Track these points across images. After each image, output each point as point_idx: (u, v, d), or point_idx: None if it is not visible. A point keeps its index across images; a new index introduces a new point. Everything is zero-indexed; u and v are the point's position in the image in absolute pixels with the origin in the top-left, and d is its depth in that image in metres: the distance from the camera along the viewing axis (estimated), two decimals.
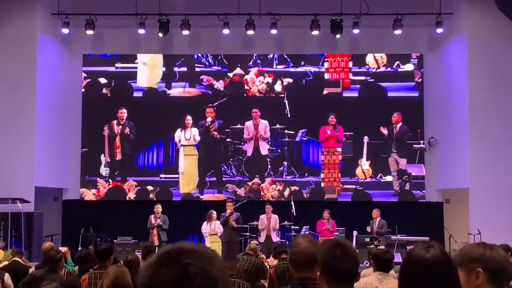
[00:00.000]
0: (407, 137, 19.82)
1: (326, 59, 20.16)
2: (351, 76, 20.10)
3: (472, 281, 2.94)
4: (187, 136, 19.89)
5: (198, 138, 19.88)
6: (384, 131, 19.79)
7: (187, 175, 19.93)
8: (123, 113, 20.11)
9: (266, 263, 11.69)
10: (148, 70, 20.38)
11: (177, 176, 19.95)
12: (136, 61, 20.31)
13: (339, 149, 19.89)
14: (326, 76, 20.13)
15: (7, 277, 8.81)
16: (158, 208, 17.57)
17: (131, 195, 19.87)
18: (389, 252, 6.62)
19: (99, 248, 7.68)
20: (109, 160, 20.00)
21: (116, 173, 20.01)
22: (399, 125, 19.86)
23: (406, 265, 2.79)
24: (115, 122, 20.11)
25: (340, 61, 20.19)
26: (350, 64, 20.15)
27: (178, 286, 1.68)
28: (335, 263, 3.42)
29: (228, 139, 19.87)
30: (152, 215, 17.46)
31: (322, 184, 19.84)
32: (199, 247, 1.79)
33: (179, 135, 19.89)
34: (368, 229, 17.39)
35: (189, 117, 19.89)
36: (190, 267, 1.70)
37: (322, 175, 19.85)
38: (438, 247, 2.79)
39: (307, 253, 3.87)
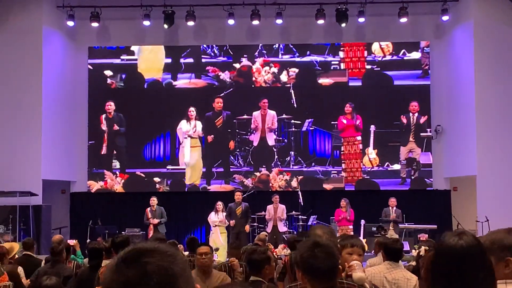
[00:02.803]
0: (425, 126, 19.79)
1: (341, 48, 20.11)
2: (366, 65, 20.06)
3: (501, 269, 2.90)
4: (192, 128, 19.89)
5: (200, 131, 19.90)
6: (404, 120, 19.78)
7: (194, 167, 19.94)
8: (110, 105, 20.10)
9: (274, 253, 11.70)
10: (148, 62, 20.35)
11: (183, 167, 19.97)
12: (133, 53, 20.35)
13: (359, 138, 19.86)
14: (342, 65, 20.07)
15: (19, 270, 8.85)
16: (154, 200, 17.55)
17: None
18: (398, 242, 6.61)
19: (116, 241, 7.70)
20: (105, 152, 20.06)
21: (115, 166, 20.06)
22: (416, 114, 19.81)
23: (439, 253, 2.77)
24: (103, 116, 20.10)
25: (356, 50, 20.13)
26: (365, 53, 20.10)
27: (137, 284, 1.73)
28: (314, 262, 3.47)
29: (235, 130, 19.86)
30: (148, 208, 17.48)
31: (344, 175, 19.81)
32: (159, 247, 1.84)
33: (185, 126, 19.89)
34: (391, 217, 17.27)
35: (192, 109, 19.90)
36: (149, 266, 1.76)
37: (343, 165, 19.82)
38: (470, 234, 2.79)
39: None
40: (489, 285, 2.69)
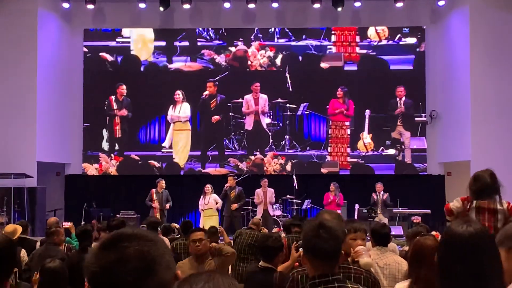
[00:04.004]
0: (412, 111, 19.79)
1: (333, 32, 20.08)
2: (358, 50, 20.03)
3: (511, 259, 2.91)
4: (176, 112, 19.88)
5: (188, 113, 19.90)
6: (399, 109, 19.81)
7: (179, 150, 19.93)
8: (123, 89, 20.10)
9: None
10: (140, 45, 20.32)
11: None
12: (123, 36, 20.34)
13: (347, 123, 19.88)
14: (333, 49, 20.06)
15: (23, 253, 8.90)
16: (162, 183, 17.54)
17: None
18: (385, 226, 6.64)
19: (112, 224, 7.72)
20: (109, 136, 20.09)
21: (116, 148, 20.06)
22: (403, 98, 19.83)
23: (448, 241, 2.79)
24: (113, 98, 20.10)
25: (348, 35, 20.11)
26: (357, 38, 20.06)
27: (115, 268, 1.81)
28: (318, 242, 3.45)
29: (230, 113, 19.86)
30: (154, 189, 17.45)
31: (329, 158, 19.84)
32: (139, 232, 1.91)
33: (170, 111, 19.92)
34: (381, 200, 17.30)
35: (178, 92, 19.89)
36: (127, 250, 1.83)
37: (329, 149, 19.87)
38: (477, 222, 2.82)
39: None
40: (498, 272, 2.72)
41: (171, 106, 19.92)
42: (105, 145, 20.05)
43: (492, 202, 5.69)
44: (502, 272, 2.74)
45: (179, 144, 19.96)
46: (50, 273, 5.64)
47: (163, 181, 17.56)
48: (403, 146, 19.75)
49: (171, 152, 19.93)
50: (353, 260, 4.43)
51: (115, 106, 20.09)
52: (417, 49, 19.99)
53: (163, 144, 19.96)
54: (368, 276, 4.11)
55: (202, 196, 17.34)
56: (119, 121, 20.07)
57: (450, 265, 2.73)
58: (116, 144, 20.04)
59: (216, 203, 17.10)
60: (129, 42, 20.27)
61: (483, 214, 5.88)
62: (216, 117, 19.90)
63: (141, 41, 20.31)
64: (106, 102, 20.04)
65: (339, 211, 17.06)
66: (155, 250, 1.85)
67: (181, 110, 19.88)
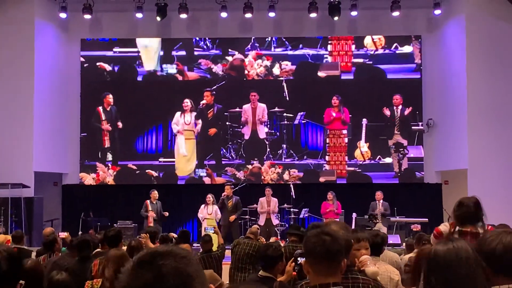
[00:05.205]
0: (410, 119, 19.81)
1: (329, 42, 20.12)
2: (354, 59, 20.06)
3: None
4: (186, 121, 19.88)
5: (198, 122, 19.92)
6: (387, 112, 19.79)
7: (187, 159, 19.93)
8: (110, 98, 20.11)
9: None
10: (148, 54, 20.33)
11: (174, 160, 19.98)
12: (134, 46, 20.31)
13: (345, 132, 19.90)
14: (330, 59, 20.09)
15: None
16: (155, 193, 17.51)
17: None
18: (378, 236, 6.58)
19: (109, 235, 7.69)
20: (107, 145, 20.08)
21: (109, 158, 20.05)
22: (400, 107, 19.85)
23: (433, 257, 2.83)
24: (101, 108, 20.11)
25: (344, 44, 20.15)
26: (353, 47, 20.11)
27: (153, 286, 1.78)
28: (317, 244, 3.46)
29: (227, 123, 19.88)
30: (148, 200, 17.40)
31: (327, 167, 19.84)
32: (173, 249, 1.89)
33: (178, 119, 19.88)
34: (377, 210, 17.28)
35: (187, 101, 19.89)
36: (164, 268, 1.81)
37: (327, 158, 19.87)
38: (461, 240, 2.85)
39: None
40: (475, 286, 2.75)
41: (180, 113, 19.91)
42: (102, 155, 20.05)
43: (474, 227, 5.74)
44: (478, 286, 2.77)
45: (188, 153, 19.96)
46: (58, 286, 5.61)
47: (156, 192, 17.49)
48: (406, 151, 19.76)
49: (169, 161, 19.92)
50: (358, 269, 4.42)
51: (103, 117, 20.08)
52: (414, 58, 20.03)
53: (180, 152, 19.91)
54: (377, 285, 4.11)
55: (204, 206, 17.27)
56: (107, 132, 20.06)
57: (430, 278, 2.79)
58: (109, 155, 20.02)
59: (217, 215, 17.05)
60: (125, 52, 20.26)
61: (465, 237, 5.91)
62: (212, 130, 19.91)
63: (147, 50, 20.34)
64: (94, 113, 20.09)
65: (337, 220, 17.06)
66: (191, 267, 1.85)
67: (191, 119, 19.90)
